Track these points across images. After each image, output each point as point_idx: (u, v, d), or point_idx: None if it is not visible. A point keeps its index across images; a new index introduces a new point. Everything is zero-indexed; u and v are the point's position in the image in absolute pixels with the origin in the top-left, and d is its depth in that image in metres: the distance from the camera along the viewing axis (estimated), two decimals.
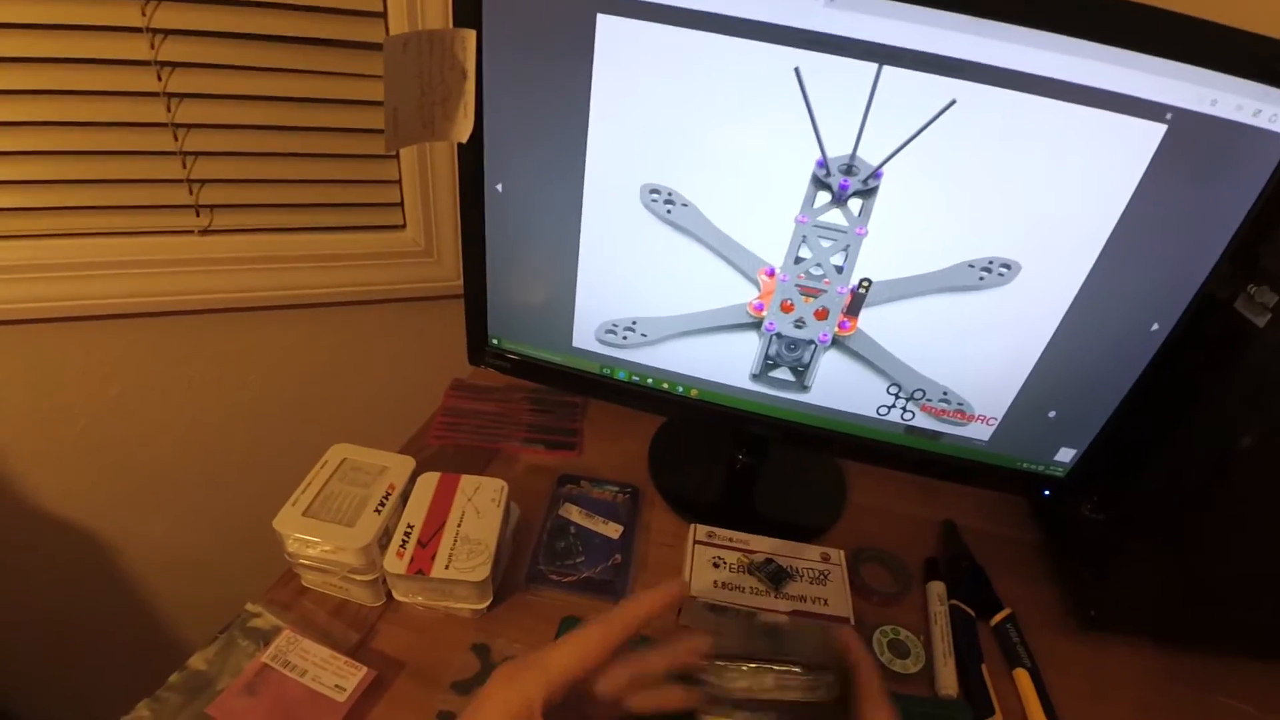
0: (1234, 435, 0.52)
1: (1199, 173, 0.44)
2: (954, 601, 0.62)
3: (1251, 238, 0.47)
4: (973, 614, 0.61)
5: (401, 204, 0.81)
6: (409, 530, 0.52)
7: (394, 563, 0.50)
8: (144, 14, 0.65)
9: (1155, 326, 0.51)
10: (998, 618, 0.62)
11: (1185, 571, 0.58)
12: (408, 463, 0.56)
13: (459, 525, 0.52)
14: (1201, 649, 0.62)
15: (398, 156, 0.77)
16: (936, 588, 0.63)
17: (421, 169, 0.77)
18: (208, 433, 0.91)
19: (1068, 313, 0.51)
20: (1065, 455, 0.60)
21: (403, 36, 0.46)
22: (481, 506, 0.54)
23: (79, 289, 0.74)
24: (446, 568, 0.50)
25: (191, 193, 0.74)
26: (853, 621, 0.54)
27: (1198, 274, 0.49)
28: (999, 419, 0.58)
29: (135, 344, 0.80)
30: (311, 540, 0.50)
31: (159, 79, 0.68)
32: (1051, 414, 0.58)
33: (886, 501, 0.73)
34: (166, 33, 0.66)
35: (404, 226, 0.83)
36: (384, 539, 0.52)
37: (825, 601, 0.55)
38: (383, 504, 0.52)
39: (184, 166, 0.72)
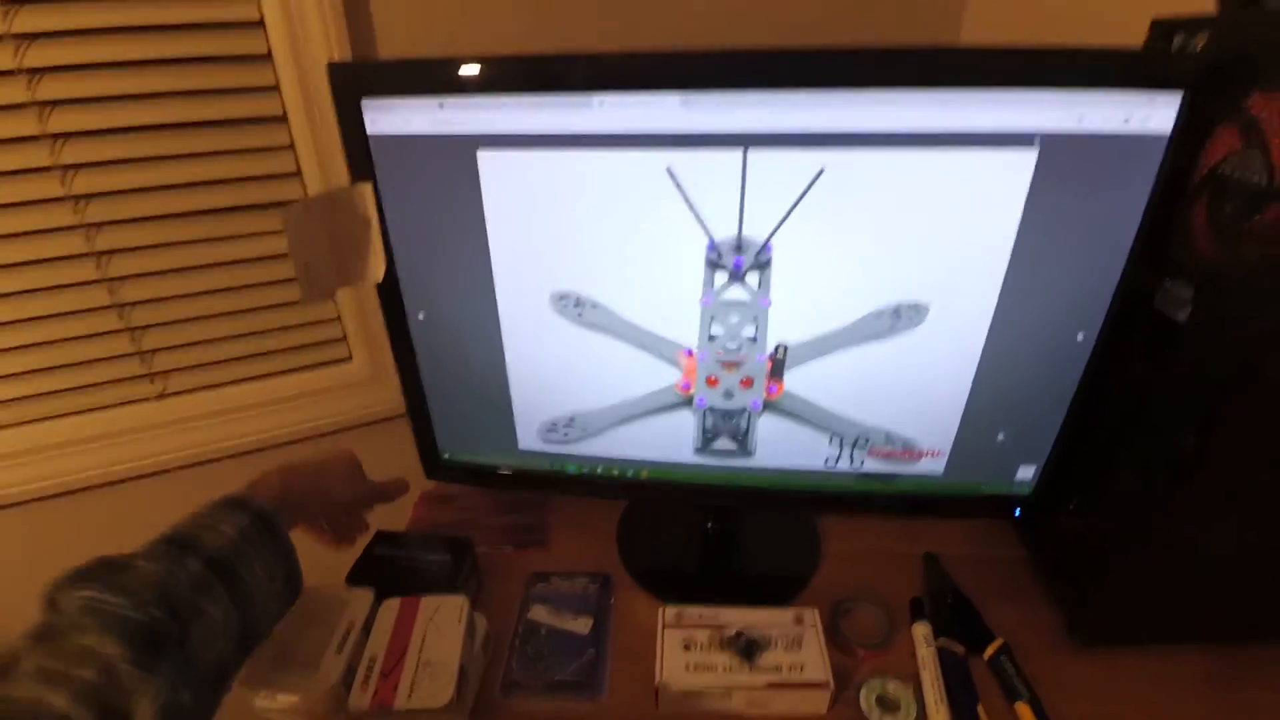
0: (1180, 431, 0.51)
1: (1084, 187, 0.45)
2: (941, 641, 0.60)
3: (1155, 236, 0.47)
4: (962, 651, 0.60)
5: (345, 338, 0.84)
6: (372, 663, 0.52)
7: (358, 698, 0.50)
8: (76, 211, 0.69)
9: (1081, 336, 0.52)
10: (990, 650, 0.60)
11: (1174, 568, 0.56)
12: (366, 595, 0.56)
13: (421, 650, 0.52)
14: (1210, 644, 0.60)
15: (334, 297, 0.80)
16: (922, 629, 0.62)
17: (358, 303, 0.81)
18: None
19: (987, 339, 0.52)
20: (1026, 473, 0.60)
21: (301, 203, 0.49)
22: (443, 626, 0.54)
23: (48, 469, 0.77)
24: (410, 696, 0.49)
25: (144, 363, 0.77)
26: (831, 684, 0.53)
27: (1109, 279, 0.49)
28: (948, 450, 0.58)
29: (105, 512, 0.82)
30: (277, 691, 0.50)
31: (98, 266, 0.72)
32: (1000, 436, 0.57)
33: (865, 543, 0.72)
34: (100, 225, 0.71)
35: (350, 359, 0.86)
36: (350, 675, 0.52)
37: (801, 668, 0.54)
38: (344, 641, 0.52)
39: (133, 340, 0.76)
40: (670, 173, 0.46)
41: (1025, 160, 0.45)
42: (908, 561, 0.70)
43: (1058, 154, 0.44)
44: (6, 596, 0.84)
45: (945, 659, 0.59)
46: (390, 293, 0.55)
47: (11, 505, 0.78)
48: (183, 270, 0.75)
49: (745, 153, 0.45)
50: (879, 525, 0.74)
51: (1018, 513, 0.63)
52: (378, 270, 0.53)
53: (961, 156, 0.45)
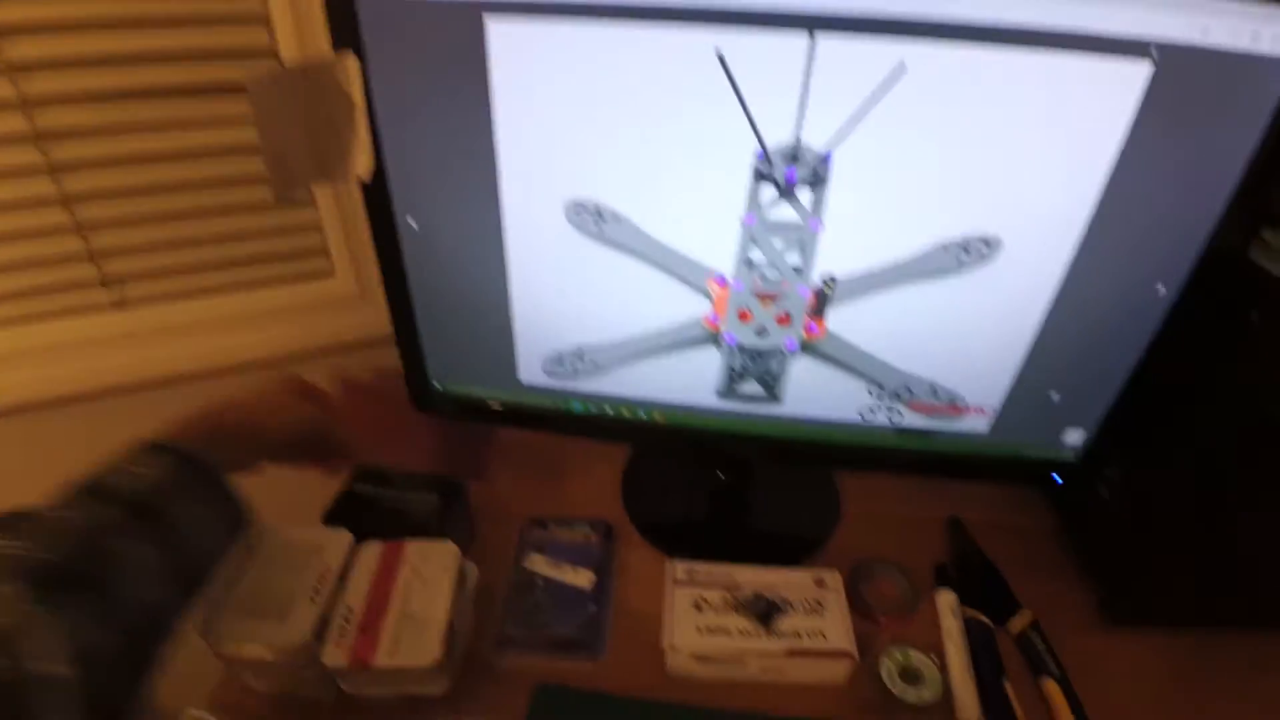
0: (1259, 400, 0.46)
1: (1194, 113, 0.39)
2: (968, 611, 0.56)
3: (1260, 180, 0.41)
4: (990, 623, 0.56)
5: (326, 249, 0.75)
6: (348, 615, 0.46)
7: (332, 655, 0.44)
8: (14, 84, 0.59)
9: (1161, 289, 0.46)
10: (1019, 624, 0.56)
11: (1220, 549, 0.53)
12: (343, 538, 0.50)
13: (405, 602, 0.47)
14: (1248, 629, 0.57)
15: (313, 200, 0.71)
16: (947, 598, 0.57)
17: (341, 209, 0.72)
18: None
19: (1062, 286, 0.46)
20: (1074, 437, 0.55)
21: (269, 73, 0.40)
22: (430, 576, 0.48)
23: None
24: (392, 654, 0.44)
25: (97, 266, 0.68)
26: (855, 655, 0.49)
27: (1203, 226, 0.43)
28: (996, 408, 0.53)
29: (64, 432, 0.74)
30: (242, 642, 0.45)
31: (41, 153, 0.62)
32: (1054, 396, 0.52)
33: (886, 505, 0.67)
34: (41, 103, 0.61)
35: (332, 273, 0.77)
36: (324, 627, 0.46)
37: (823, 635, 0.50)
38: (318, 590, 0.47)
39: (84, 240, 0.66)
40: (720, 57, 0.38)
41: (1137, 73, 0.38)
42: (930, 526, 0.66)
43: (1173, 69, 0.37)
44: None
45: (971, 630, 0.55)
46: (377, 193, 0.47)
47: None
48: (140, 161, 0.65)
49: (814, 39, 0.38)
50: (900, 486, 0.69)
51: (1058, 479, 0.58)
52: (362, 164, 0.45)
53: (1066, 63, 0.37)
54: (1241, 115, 0.39)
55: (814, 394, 0.53)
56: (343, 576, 0.49)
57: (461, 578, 0.50)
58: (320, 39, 0.64)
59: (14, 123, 0.61)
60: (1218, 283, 0.45)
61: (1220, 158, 0.40)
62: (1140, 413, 0.52)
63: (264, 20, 0.63)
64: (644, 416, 0.57)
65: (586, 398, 0.56)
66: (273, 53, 0.65)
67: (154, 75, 0.63)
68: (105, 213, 0.67)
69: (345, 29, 0.41)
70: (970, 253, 0.44)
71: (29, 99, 0.60)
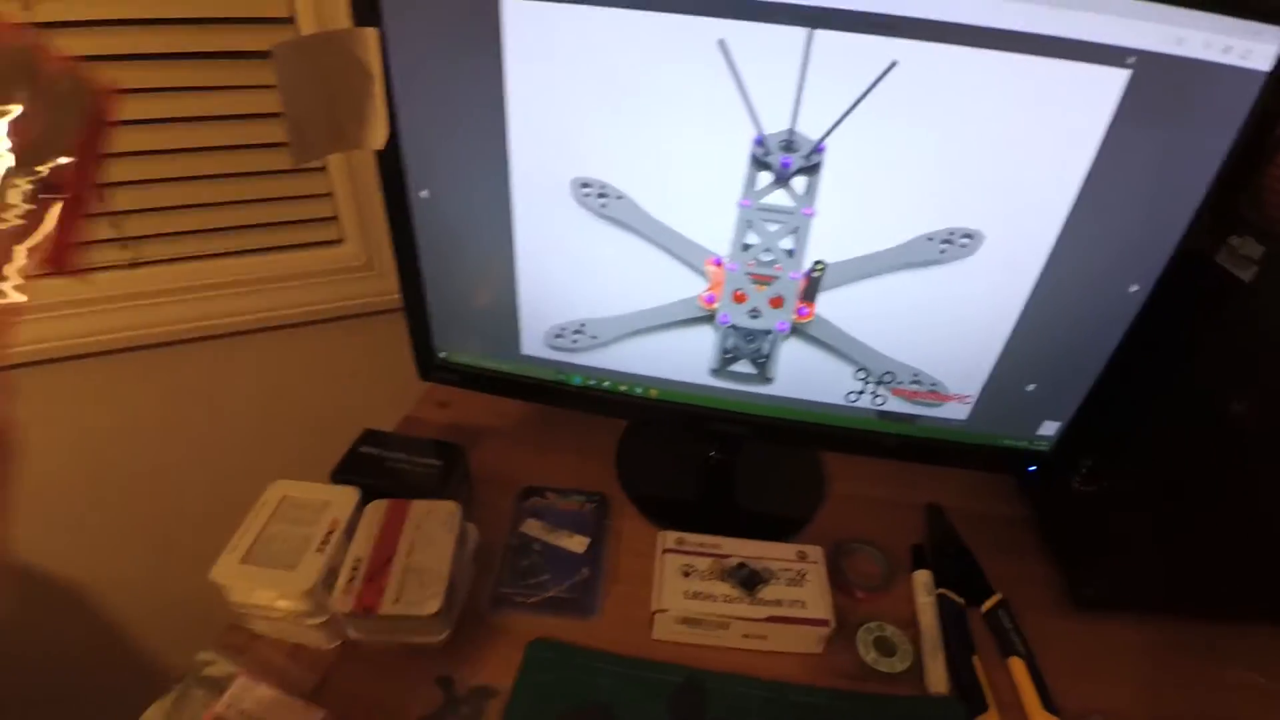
0: (1226, 397, 0.49)
1: (1168, 119, 0.41)
2: (942, 590, 0.59)
3: (1229, 186, 0.44)
4: (962, 602, 0.59)
5: (336, 217, 0.77)
6: (356, 565, 0.49)
7: (340, 601, 0.47)
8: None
9: (1134, 288, 0.48)
10: (989, 604, 0.59)
11: (1183, 540, 0.55)
12: (350, 494, 0.53)
13: (408, 555, 0.49)
14: (1207, 619, 0.59)
15: (326, 168, 0.73)
16: (922, 577, 0.60)
17: (352, 179, 0.74)
18: (160, 473, 0.88)
19: (1039, 279, 0.48)
20: (1048, 429, 0.57)
21: (293, 41, 0.43)
22: (433, 533, 0.51)
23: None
24: (396, 602, 0.47)
25: (115, 225, 0.70)
26: (832, 623, 0.52)
27: (1175, 229, 0.45)
28: (975, 396, 0.55)
29: (75, 388, 0.76)
30: (252, 589, 0.47)
31: None
32: (1030, 387, 0.55)
33: (869, 488, 0.70)
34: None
35: (341, 241, 0.79)
36: (331, 578, 0.49)
37: (803, 604, 0.52)
38: (325, 542, 0.49)
39: (102, 198, 0.68)
40: (723, 46, 0.41)
41: (1115, 79, 0.40)
42: (909, 510, 0.69)
43: (1149, 77, 0.39)
44: None
45: (944, 608, 0.58)
46: (391, 163, 0.50)
47: None
48: (159, 121, 0.67)
49: (811, 33, 0.40)
50: (882, 471, 0.71)
51: (1032, 470, 0.60)
52: (378, 135, 0.47)
53: (1048, 66, 0.40)
54: (1213, 124, 0.41)
55: (803, 375, 0.55)
56: (350, 531, 0.51)
57: (462, 536, 0.52)
58: (339, 10, 0.66)
59: None
60: (1186, 284, 0.47)
61: (1192, 163, 0.42)
62: (1112, 407, 0.54)
63: None
64: (640, 392, 0.59)
65: (585, 371, 0.59)
66: (291, 19, 0.66)
67: (174, 39, 0.64)
68: (124, 172, 0.69)
69: (365, 3, 0.43)
70: (954, 244, 0.47)
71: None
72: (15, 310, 0.25)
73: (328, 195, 0.76)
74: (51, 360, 0.74)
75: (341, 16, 0.66)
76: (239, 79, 0.68)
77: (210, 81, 0.67)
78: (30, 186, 0.24)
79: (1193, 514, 0.54)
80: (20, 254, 0.24)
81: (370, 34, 0.44)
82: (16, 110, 0.24)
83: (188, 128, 0.68)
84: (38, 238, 0.24)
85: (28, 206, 0.24)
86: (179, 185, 0.71)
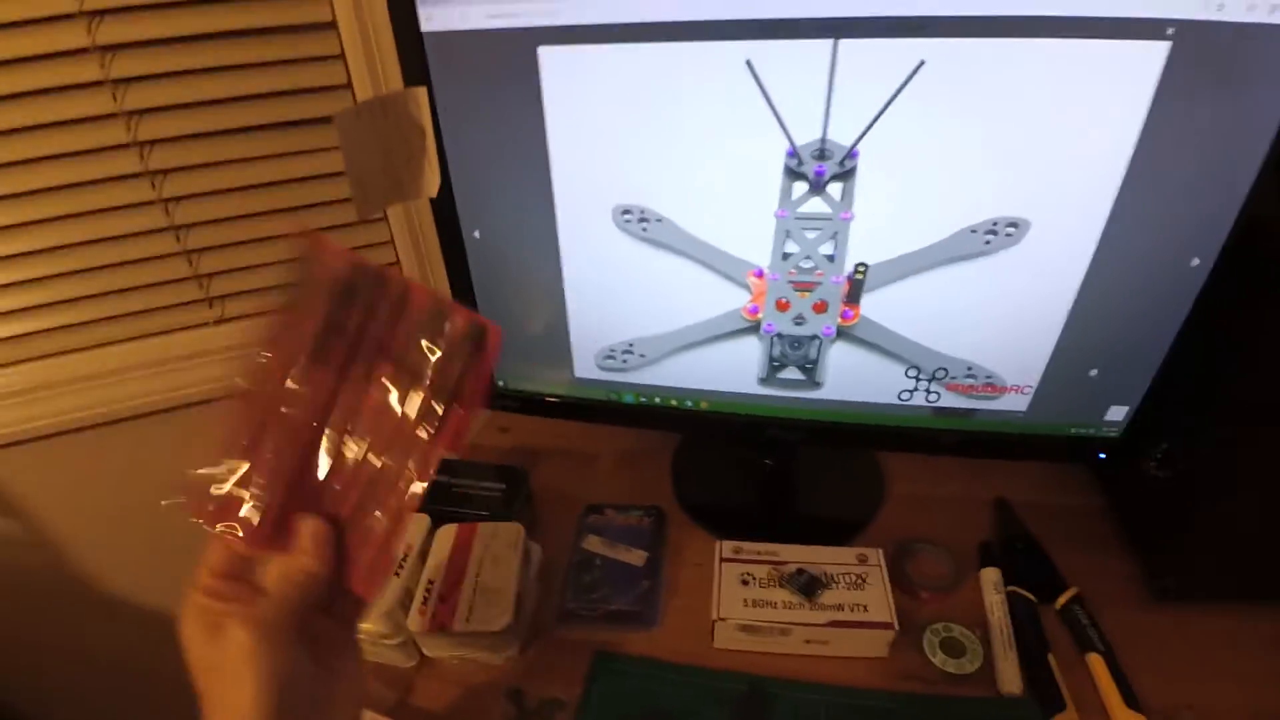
0: None
1: (1216, 88, 0.39)
2: (1012, 588, 0.58)
3: None
4: (1034, 599, 0.57)
5: (398, 263, 0.82)
6: (429, 587, 0.51)
7: (415, 621, 0.49)
8: (128, 129, 0.68)
9: (1196, 261, 0.46)
10: (1063, 599, 0.57)
11: (1269, 523, 0.53)
12: (422, 520, 0.55)
13: (478, 575, 0.52)
14: None
15: (385, 217, 0.78)
16: (991, 575, 0.59)
17: (410, 225, 0.78)
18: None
19: (1092, 262, 0.47)
20: (1117, 414, 0.55)
21: (353, 109, 0.46)
22: (499, 553, 0.53)
23: (107, 395, 0.79)
24: (467, 620, 0.49)
25: (202, 287, 0.77)
26: (896, 626, 0.51)
27: (1235, 197, 0.43)
28: (1034, 386, 0.54)
29: (174, 438, 0.83)
30: None
31: (153, 187, 0.71)
32: (1093, 372, 0.53)
33: (930, 486, 0.69)
34: (153, 143, 0.70)
35: None
36: (406, 599, 0.51)
37: (865, 608, 0.52)
38: (401, 566, 0.52)
39: (190, 264, 0.75)
40: (749, 66, 0.42)
41: (1155, 53, 0.39)
42: (975, 506, 0.67)
43: (1191, 47, 0.38)
44: (74, 521, 0.88)
45: (1015, 605, 0.56)
46: (445, 208, 0.52)
47: (74, 430, 0.80)
48: (236, 190, 0.73)
49: (836, 44, 0.41)
50: (944, 467, 0.70)
51: (1102, 456, 0.58)
52: (432, 184, 0.50)
53: (1081, 48, 0.39)
54: (1266, 86, 0.39)
55: (852, 377, 0.55)
56: (423, 555, 0.54)
57: (527, 555, 0.54)
58: (390, 74, 0.71)
59: (128, 163, 0.70)
60: (1255, 253, 0.45)
61: (1246, 129, 0.41)
62: (1184, 387, 0.52)
63: (340, 56, 0.70)
64: (691, 405, 0.60)
65: (637, 389, 0.60)
66: (347, 86, 0.72)
67: (248, 114, 0.71)
68: (208, 238, 0.76)
69: (415, 63, 0.46)
70: (998, 235, 0.46)
71: (141, 138, 0.69)
72: (415, 501, 0.34)
73: (388, 243, 0.81)
74: (145, 415, 0.80)
75: (394, 78, 0.70)
76: (306, 144, 0.73)
77: (275, 149, 0.73)
78: (443, 404, 0.33)
79: (1276, 496, 0.52)
80: (434, 453, 0.33)
81: (420, 93, 0.47)
82: (438, 354, 0.33)
83: (261, 193, 0.75)
84: (446, 437, 0.33)
85: (439, 415, 0.33)
86: (259, 246, 0.78)
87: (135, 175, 0.70)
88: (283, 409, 0.33)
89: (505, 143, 0.48)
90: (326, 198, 0.76)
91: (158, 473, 0.86)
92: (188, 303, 0.78)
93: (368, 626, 0.51)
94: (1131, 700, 0.50)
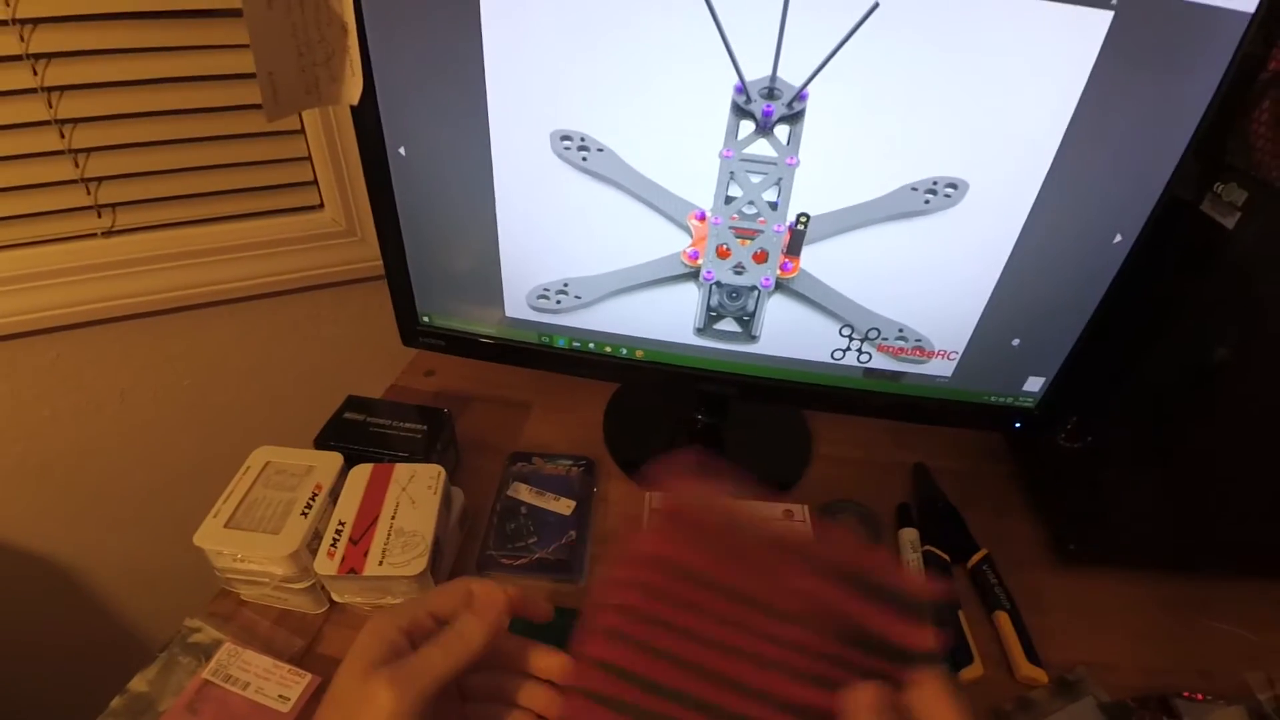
0: (1211, 347, 0.49)
1: (1153, 62, 0.40)
2: (927, 547, 0.59)
3: (1214, 131, 0.43)
4: (947, 558, 0.59)
5: (315, 181, 0.76)
6: (340, 528, 0.48)
7: (324, 564, 0.47)
8: (7, 4, 0.59)
9: (1118, 238, 0.48)
10: (974, 560, 0.60)
11: (1169, 495, 0.56)
12: (334, 459, 0.52)
13: (393, 518, 0.49)
14: (1191, 574, 0.60)
15: (303, 131, 0.72)
16: (908, 535, 0.60)
17: (330, 141, 0.72)
18: (147, 443, 0.87)
19: (1023, 230, 0.48)
20: (1034, 385, 0.58)
21: None
22: (417, 495, 0.51)
23: None
24: (380, 564, 0.46)
25: (89, 192, 0.69)
26: None
27: (1159, 176, 0.45)
28: (960, 352, 0.55)
29: (56, 360, 0.75)
30: (237, 554, 0.47)
31: (34, 73, 0.62)
32: (1015, 342, 0.54)
33: (856, 449, 0.70)
34: (35, 22, 0.61)
35: (321, 206, 0.78)
36: (315, 542, 0.48)
37: None
38: (309, 506, 0.49)
39: (76, 165, 0.67)
40: None
41: (1099, 21, 0.39)
42: (896, 470, 0.69)
43: (1134, 18, 0.39)
44: None
45: (930, 564, 0.58)
46: (367, 120, 0.48)
47: None
48: (128, 85, 0.65)
49: None
50: (868, 431, 0.72)
51: (1018, 426, 0.61)
52: (353, 90, 0.46)
53: (1031, 8, 0.39)
54: (1198, 66, 0.40)
55: (788, 332, 0.55)
56: (334, 496, 0.51)
57: (447, 499, 0.52)
58: None
59: (9, 44, 0.61)
60: (1170, 234, 0.47)
61: (1176, 108, 0.42)
62: (1098, 362, 0.54)
63: None
64: (625, 353, 0.59)
65: (570, 333, 0.58)
66: None
67: None
68: (98, 137, 0.67)
69: None
70: (938, 194, 0.46)
71: (23, 16, 0.60)
72: None
73: (305, 159, 0.75)
74: (28, 333, 0.72)
75: None
76: (212, 38, 0.66)
77: (183, 41, 0.65)
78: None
79: (1178, 468, 0.55)
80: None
81: None
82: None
83: (161, 90, 0.67)
84: None
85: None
86: (153, 150, 0.69)
87: (14, 58, 0.62)
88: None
89: (439, 50, 0.45)
90: (236, 101, 0.69)
91: (33, 398, 0.78)
92: (74, 209, 0.70)
93: (272, 569, 0.47)
94: (1033, 655, 0.52)
